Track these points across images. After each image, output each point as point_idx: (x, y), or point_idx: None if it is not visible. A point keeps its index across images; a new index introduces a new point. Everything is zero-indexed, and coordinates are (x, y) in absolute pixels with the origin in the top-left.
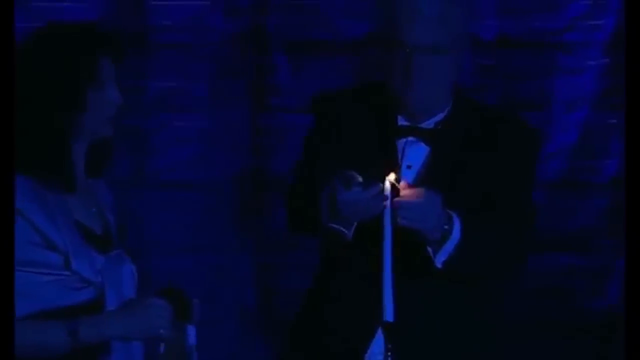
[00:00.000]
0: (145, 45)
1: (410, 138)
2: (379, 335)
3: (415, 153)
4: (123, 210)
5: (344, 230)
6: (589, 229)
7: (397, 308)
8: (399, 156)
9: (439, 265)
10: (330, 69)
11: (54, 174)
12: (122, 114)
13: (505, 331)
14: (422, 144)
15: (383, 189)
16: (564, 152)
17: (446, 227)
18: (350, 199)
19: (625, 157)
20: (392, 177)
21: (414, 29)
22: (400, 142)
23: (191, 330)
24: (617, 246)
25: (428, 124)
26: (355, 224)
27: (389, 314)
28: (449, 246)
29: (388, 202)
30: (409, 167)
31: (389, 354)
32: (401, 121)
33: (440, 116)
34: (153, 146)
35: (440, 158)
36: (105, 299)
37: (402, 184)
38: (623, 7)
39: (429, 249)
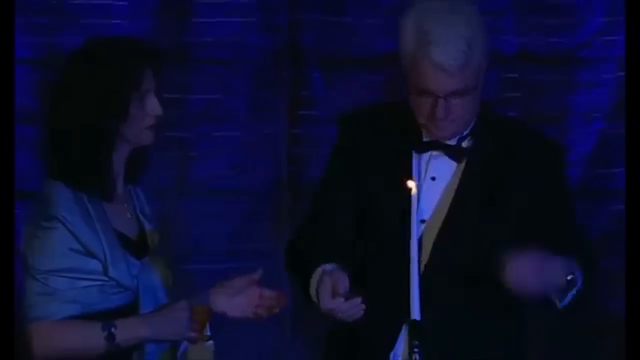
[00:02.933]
0: (188, 61)
1: (435, 152)
2: (404, 333)
3: (440, 166)
4: (167, 217)
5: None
6: (607, 233)
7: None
8: (424, 168)
9: (560, 308)
10: (362, 83)
11: (94, 182)
12: (166, 126)
13: (527, 331)
14: (446, 158)
15: (360, 301)
16: (582, 161)
17: (570, 277)
18: (330, 307)
19: (625, 165)
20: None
21: (437, 81)
22: (425, 156)
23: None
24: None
25: (452, 141)
26: None
27: (415, 312)
28: (573, 293)
29: (414, 201)
30: (433, 178)
31: (416, 350)
32: (425, 138)
33: (464, 133)
34: (195, 156)
35: (472, 173)
36: (140, 303)
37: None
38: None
39: (554, 298)
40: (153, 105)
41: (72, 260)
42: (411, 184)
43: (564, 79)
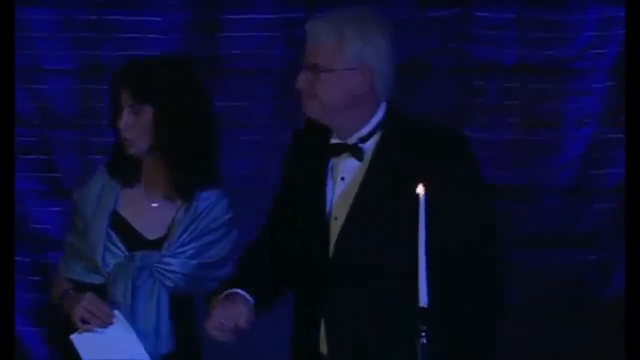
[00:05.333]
0: (217, 71)
1: (345, 153)
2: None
3: (348, 166)
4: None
5: None
6: (596, 229)
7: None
8: (336, 169)
9: None
10: None
11: (114, 170)
12: None
13: (523, 317)
14: (352, 159)
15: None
16: (575, 163)
17: None
18: (208, 330)
19: (625, 166)
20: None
21: (306, 51)
22: (338, 158)
23: None
24: (621, 243)
25: (352, 140)
26: None
27: (423, 300)
28: None
29: (423, 200)
30: (342, 178)
31: (423, 335)
32: (334, 139)
33: (363, 131)
34: (221, 157)
35: (373, 171)
36: (111, 290)
37: None
38: (623, 37)
39: None
40: (122, 121)
41: (71, 234)
42: (420, 188)
43: (558, 87)
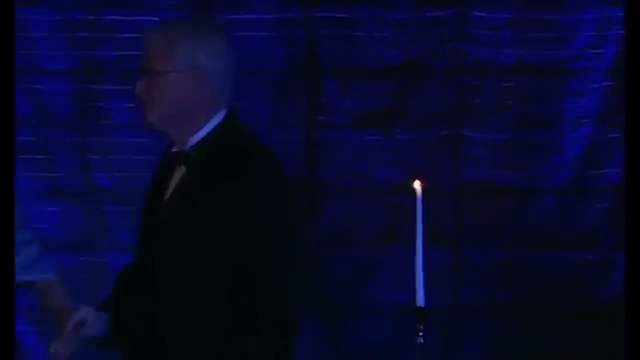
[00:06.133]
0: None
1: (178, 161)
2: None
3: (177, 176)
4: None
5: None
6: (594, 228)
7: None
8: (174, 179)
9: None
10: (372, 91)
11: None
12: None
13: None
14: (183, 166)
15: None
16: (572, 162)
17: None
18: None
19: (625, 165)
20: (417, 183)
21: (144, 56)
22: (178, 167)
23: None
24: (618, 242)
25: (185, 147)
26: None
27: (420, 300)
28: None
29: (420, 201)
30: (174, 188)
31: (420, 334)
32: (175, 148)
33: (194, 139)
34: None
35: (185, 180)
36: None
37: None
38: (622, 38)
39: None
40: None
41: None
42: (417, 184)
43: (556, 87)
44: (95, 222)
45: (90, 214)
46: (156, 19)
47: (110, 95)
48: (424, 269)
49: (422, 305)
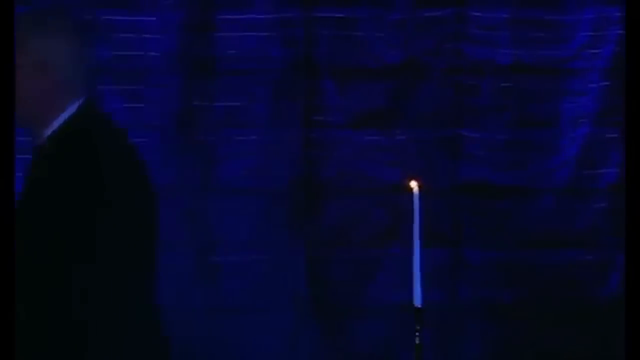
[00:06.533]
0: (214, 71)
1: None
2: None
3: None
4: (194, 213)
5: None
6: (593, 228)
7: None
8: None
9: None
10: (370, 90)
11: None
12: (194, 130)
13: (521, 317)
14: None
15: None
16: (571, 163)
17: None
18: None
19: (624, 165)
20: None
21: None
22: None
23: None
24: (617, 242)
25: (36, 143)
26: None
27: (417, 300)
28: None
29: (416, 201)
30: None
31: (417, 334)
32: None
33: (46, 133)
34: (219, 157)
35: (40, 172)
36: None
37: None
38: (620, 38)
39: None
40: None
41: None
42: (413, 184)
43: (554, 87)
44: None
45: None
46: (153, 18)
47: (109, 96)
48: (422, 269)
49: (420, 306)
